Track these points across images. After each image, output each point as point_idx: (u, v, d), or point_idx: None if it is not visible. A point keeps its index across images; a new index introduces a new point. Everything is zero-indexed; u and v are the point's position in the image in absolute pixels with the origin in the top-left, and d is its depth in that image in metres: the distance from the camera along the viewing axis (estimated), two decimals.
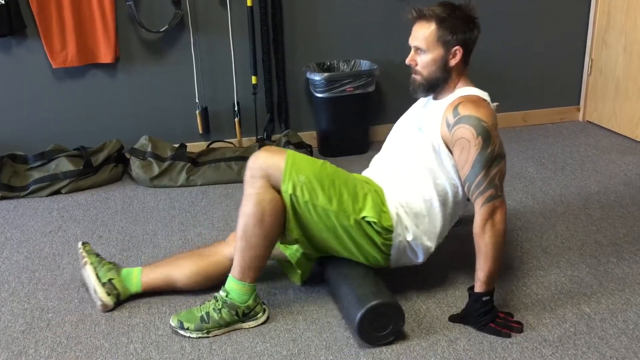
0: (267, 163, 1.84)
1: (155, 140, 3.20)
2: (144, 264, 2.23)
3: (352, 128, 3.41)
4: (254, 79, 3.38)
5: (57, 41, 3.11)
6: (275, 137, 3.47)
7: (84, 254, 2.09)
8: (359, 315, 1.79)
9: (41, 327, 1.97)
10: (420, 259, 2.02)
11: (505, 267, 2.25)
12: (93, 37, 3.16)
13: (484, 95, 1.95)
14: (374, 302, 1.80)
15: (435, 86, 1.96)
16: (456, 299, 2.06)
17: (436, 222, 1.97)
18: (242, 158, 3.13)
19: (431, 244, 2.00)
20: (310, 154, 3.29)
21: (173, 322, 1.91)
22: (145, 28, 3.17)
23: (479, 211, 1.85)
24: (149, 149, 3.14)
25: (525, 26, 3.71)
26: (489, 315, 1.88)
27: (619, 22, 3.54)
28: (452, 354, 1.81)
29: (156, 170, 3.08)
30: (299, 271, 2.05)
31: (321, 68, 3.44)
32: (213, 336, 1.90)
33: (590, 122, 3.91)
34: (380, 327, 1.82)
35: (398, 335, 1.86)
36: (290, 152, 1.88)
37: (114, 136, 3.26)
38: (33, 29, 3.10)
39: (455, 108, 1.87)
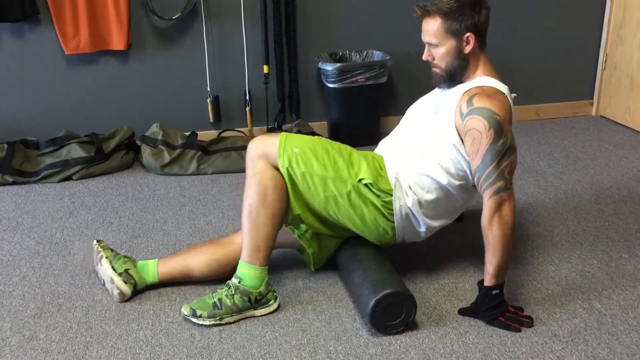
0: (262, 144, 1.93)
1: (166, 128, 3.20)
2: (159, 256, 2.22)
3: (363, 119, 3.39)
4: (265, 68, 3.37)
5: (69, 27, 3.11)
6: (286, 126, 3.46)
7: (100, 249, 2.09)
8: (372, 302, 1.80)
9: (52, 312, 1.98)
10: (423, 230, 2.01)
11: (515, 261, 2.24)
12: (105, 24, 3.16)
13: (503, 88, 1.93)
14: (388, 290, 1.81)
15: (455, 75, 1.96)
16: (466, 292, 2.06)
17: (439, 202, 1.98)
18: None
19: (432, 220, 2.01)
20: None
21: (185, 311, 1.92)
22: (158, 15, 3.16)
23: (487, 203, 1.84)
24: (160, 137, 3.14)
25: (540, 19, 3.67)
26: (498, 309, 1.88)
27: (635, 17, 3.50)
28: (461, 347, 1.80)
29: (167, 158, 3.08)
30: (312, 260, 2.12)
31: (333, 58, 3.43)
32: (225, 323, 1.91)
33: (603, 116, 3.87)
34: (392, 315, 1.83)
35: (408, 326, 1.86)
36: (284, 132, 1.96)
37: (125, 123, 3.27)
38: (46, 14, 3.10)
39: (470, 99, 1.86)
